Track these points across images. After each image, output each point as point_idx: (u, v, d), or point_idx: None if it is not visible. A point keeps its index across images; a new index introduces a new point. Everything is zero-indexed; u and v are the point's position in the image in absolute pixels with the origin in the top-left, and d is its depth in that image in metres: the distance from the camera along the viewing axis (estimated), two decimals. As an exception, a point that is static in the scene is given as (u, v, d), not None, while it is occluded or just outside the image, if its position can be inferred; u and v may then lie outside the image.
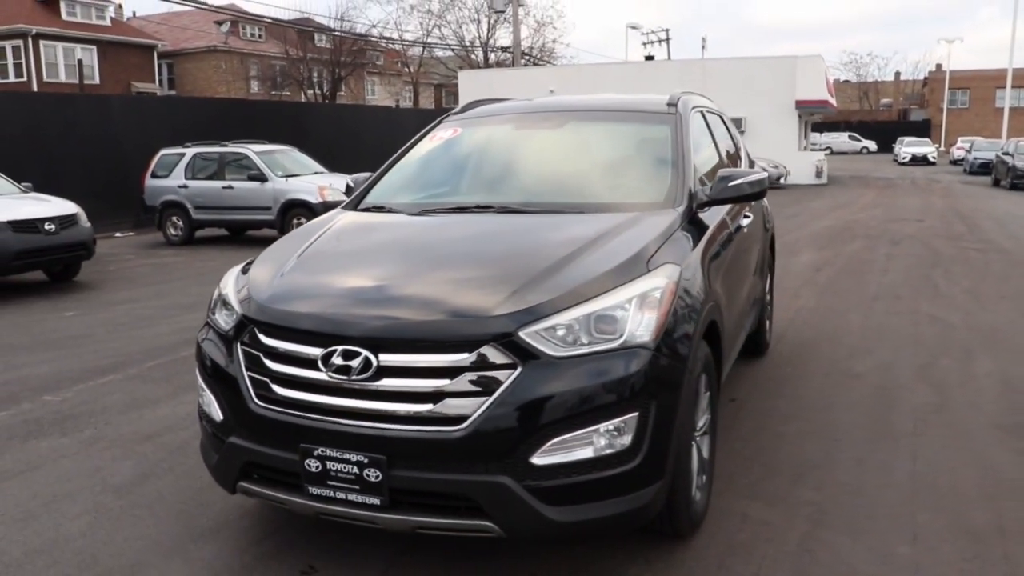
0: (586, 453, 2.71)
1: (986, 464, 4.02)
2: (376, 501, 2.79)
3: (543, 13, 79.85)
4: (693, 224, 3.65)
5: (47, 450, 4.63)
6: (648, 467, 2.80)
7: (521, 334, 2.72)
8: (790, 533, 3.37)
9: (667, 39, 58.06)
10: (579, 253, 3.09)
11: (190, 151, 15.42)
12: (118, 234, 17.04)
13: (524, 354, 2.70)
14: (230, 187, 14.59)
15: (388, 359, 2.77)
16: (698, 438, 3.37)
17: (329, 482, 2.84)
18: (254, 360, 3.05)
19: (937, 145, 54.33)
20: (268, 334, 3.03)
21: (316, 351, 2.87)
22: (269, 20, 47.54)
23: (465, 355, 2.71)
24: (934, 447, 4.24)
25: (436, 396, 2.71)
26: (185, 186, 15.03)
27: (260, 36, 48.56)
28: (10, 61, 35.10)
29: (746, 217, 4.64)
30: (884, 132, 62.04)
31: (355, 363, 2.79)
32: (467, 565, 3.19)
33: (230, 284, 3.42)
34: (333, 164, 16.83)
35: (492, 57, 50.50)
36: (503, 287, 2.89)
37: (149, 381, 5.92)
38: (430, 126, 4.77)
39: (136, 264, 12.76)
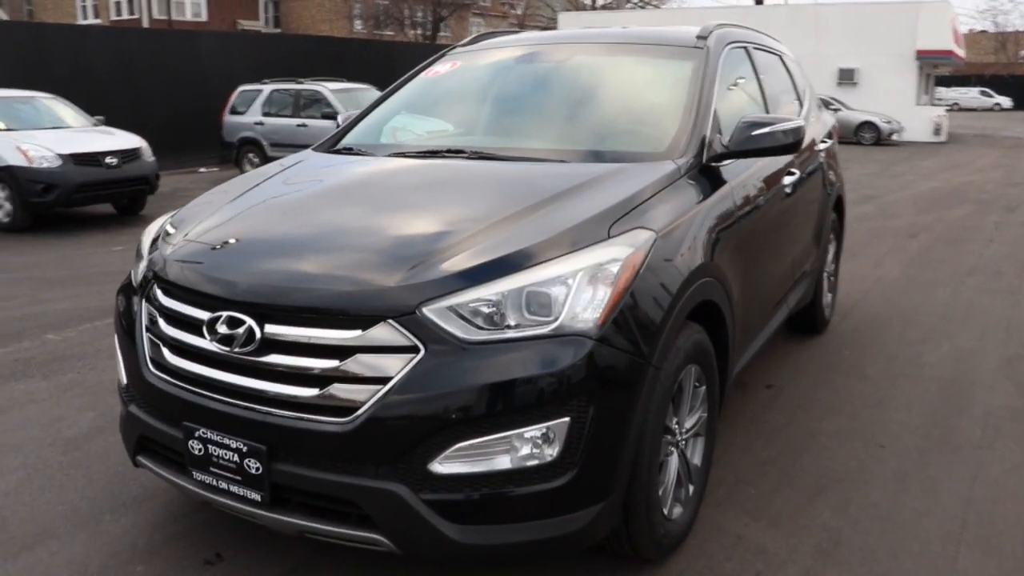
0: (501, 463, 2.17)
1: (1063, 491, 3.26)
2: (257, 497, 2.34)
3: (657, -46, 76.40)
4: (701, 180, 2.99)
5: (21, 394, 4.40)
6: (584, 485, 2.24)
7: (425, 310, 2.17)
8: (788, 567, 2.75)
9: (788, -18, 54.83)
10: (531, 212, 2.51)
11: (267, 88, 15.29)
12: (202, 169, 17.19)
13: (428, 335, 2.16)
14: (304, 125, 14.37)
15: (274, 330, 2.29)
16: (683, 442, 2.78)
17: (212, 468, 2.41)
18: (153, 321, 2.63)
19: (1083, 104, 49.60)
20: (166, 292, 2.60)
21: (204, 315, 2.42)
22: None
23: (358, 332, 2.20)
24: (1003, 465, 3.49)
25: (324, 380, 2.22)
26: (261, 123, 14.94)
27: (365, -26, 48.30)
28: (123, -3, 36.04)
29: (790, 174, 3.91)
30: (1022, 87, 57.11)
31: (239, 332, 2.32)
32: (383, 568, 2.72)
33: (151, 231, 3.01)
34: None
35: (600, 0, 48.98)
36: (422, 251, 2.34)
37: (154, 324, 5.66)
38: (431, 59, 4.21)
39: (204, 200, 12.70)
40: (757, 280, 3.51)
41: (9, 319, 5.88)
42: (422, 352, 2.16)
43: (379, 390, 2.16)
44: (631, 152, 3.05)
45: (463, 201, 2.75)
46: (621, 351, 2.26)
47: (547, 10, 52.06)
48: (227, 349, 2.34)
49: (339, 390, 2.20)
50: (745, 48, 4.05)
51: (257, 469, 2.31)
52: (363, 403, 2.17)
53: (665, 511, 2.65)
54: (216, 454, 2.38)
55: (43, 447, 3.72)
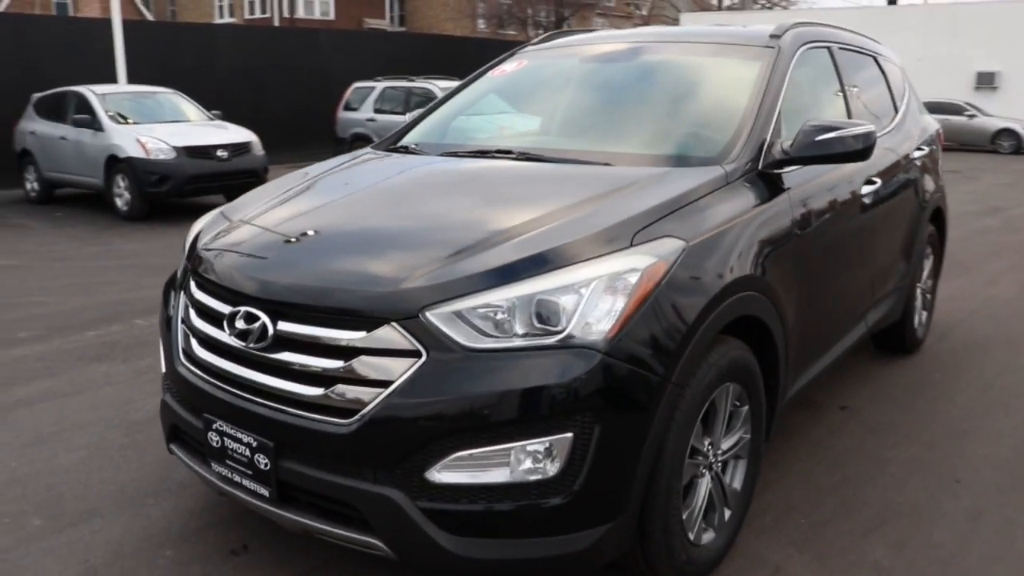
0: (500, 476, 2.09)
1: None
2: (265, 492, 2.35)
3: (787, -47, 73.94)
4: (754, 187, 2.81)
5: (100, 375, 4.62)
6: (588, 504, 2.13)
7: (428, 315, 2.11)
8: (828, 605, 2.55)
9: (929, -19, 52.13)
10: (556, 216, 2.40)
11: (380, 85, 15.63)
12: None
13: (431, 340, 2.10)
14: (412, 122, 14.59)
15: (286, 328, 2.29)
16: (717, 464, 2.62)
17: (227, 461, 2.44)
18: (188, 313, 2.68)
19: None
20: (199, 285, 2.65)
21: (225, 309, 2.45)
22: (498, -41, 47.92)
23: (363, 333, 2.16)
24: (1095, 510, 3.14)
25: (330, 380, 2.20)
26: (373, 119, 15.27)
27: (488, -25, 48.86)
28: (257, -2, 37.74)
29: (870, 183, 3.64)
30: None
31: (255, 327, 2.33)
32: (406, 572, 2.68)
33: (195, 228, 3.08)
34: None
35: (727, 0, 48.03)
36: (435, 254, 2.28)
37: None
38: (500, 57, 4.15)
39: (312, 194, 13.10)
40: (824, 295, 3.29)
41: (107, 303, 6.21)
42: (424, 357, 2.10)
43: (380, 393, 2.12)
44: (680, 156, 2.90)
45: (491, 204, 2.67)
46: (634, 366, 2.13)
47: (672, 11, 51.34)
48: (243, 344, 2.35)
49: (343, 391, 2.17)
50: (828, 48, 3.79)
51: (266, 465, 2.31)
52: (365, 405, 2.13)
53: (691, 536, 2.49)
54: (231, 447, 2.40)
55: (109, 428, 3.88)
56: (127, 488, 3.30)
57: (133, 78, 13.62)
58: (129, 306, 6.10)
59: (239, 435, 2.36)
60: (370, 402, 2.12)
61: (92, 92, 10.78)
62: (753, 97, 3.06)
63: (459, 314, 2.12)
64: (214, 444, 2.46)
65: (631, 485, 2.17)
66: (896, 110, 4.49)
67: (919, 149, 4.52)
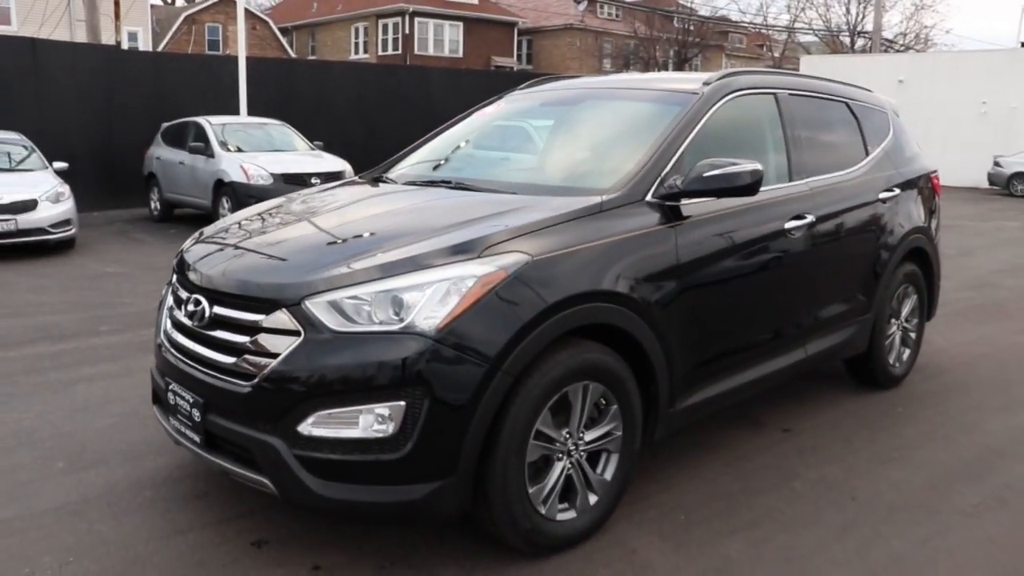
0: (353, 432, 2.64)
1: None
2: (197, 439, 2.98)
3: (923, -4, 71.40)
4: (637, 215, 3.24)
5: (151, 363, 5.43)
6: (418, 462, 2.63)
7: (307, 303, 2.70)
8: (664, 582, 2.92)
9: (1083, 22, 49.18)
10: (439, 231, 2.95)
11: (478, 121, 16.48)
12: (419, 194, 18.75)
13: (307, 323, 2.69)
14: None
15: (218, 311, 2.93)
16: (578, 453, 3.04)
17: (178, 415, 3.09)
18: (170, 301, 3.38)
19: None
20: (177, 280, 3.34)
21: (185, 295, 3.12)
22: (626, 2, 48.91)
23: (263, 316, 2.77)
24: (972, 535, 3.33)
25: (240, 351, 2.81)
26: (468, 154, 16.12)
27: (616, 15, 49.86)
28: (390, 36, 40.06)
29: (799, 218, 3.96)
30: None
31: (198, 309, 2.98)
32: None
33: (191, 238, 3.78)
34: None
35: (860, 42, 47.07)
36: (330, 256, 2.88)
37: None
38: (491, 99, 4.73)
39: (402, 221, 13.99)
40: (729, 318, 3.64)
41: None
42: (302, 335, 2.68)
43: (271, 362, 2.71)
44: (573, 187, 3.38)
45: (401, 221, 3.24)
46: (459, 353, 2.63)
47: (802, 52, 50.71)
48: (190, 322, 3.01)
49: (247, 360, 2.78)
50: (774, 95, 4.16)
51: (198, 417, 2.94)
52: (260, 371, 2.73)
53: (542, 510, 2.93)
54: (179, 404, 3.06)
55: (142, 402, 4.63)
56: (136, 446, 4.02)
57: (254, 110, 15.02)
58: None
59: (184, 394, 3.01)
60: (264, 368, 2.72)
61: (208, 122, 12.09)
62: (659, 137, 3.49)
63: (333, 303, 2.69)
64: (171, 402, 3.12)
65: (459, 451, 2.66)
66: (867, 153, 4.76)
67: (889, 191, 4.76)
